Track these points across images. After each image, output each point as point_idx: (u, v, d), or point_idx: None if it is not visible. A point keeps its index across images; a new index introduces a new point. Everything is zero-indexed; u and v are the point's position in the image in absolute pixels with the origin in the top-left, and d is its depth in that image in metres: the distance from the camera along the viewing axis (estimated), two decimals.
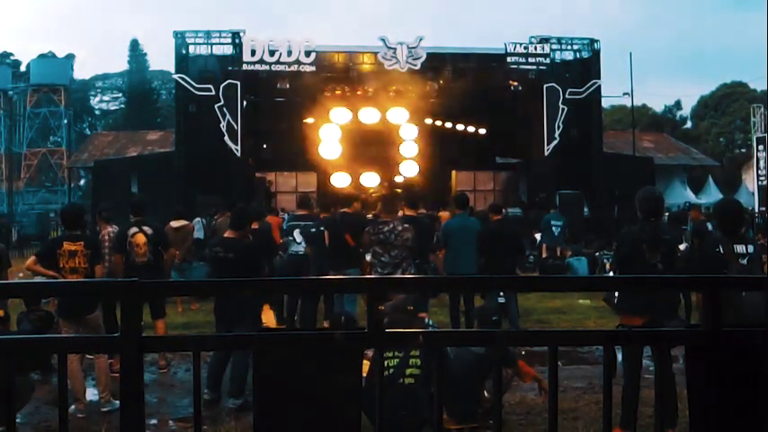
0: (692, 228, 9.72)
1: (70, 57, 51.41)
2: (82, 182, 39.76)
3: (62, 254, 5.80)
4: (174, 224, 9.80)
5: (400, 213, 8.52)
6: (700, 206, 12.46)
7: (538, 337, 2.47)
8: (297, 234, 8.54)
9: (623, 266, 4.99)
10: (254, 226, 7.35)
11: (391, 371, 4.70)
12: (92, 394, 5.94)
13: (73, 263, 5.78)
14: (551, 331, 4.46)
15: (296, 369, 1.97)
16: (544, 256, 14.41)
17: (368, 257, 7.82)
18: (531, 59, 20.10)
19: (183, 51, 19.64)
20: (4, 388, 1.93)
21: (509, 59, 20.00)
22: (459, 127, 23.80)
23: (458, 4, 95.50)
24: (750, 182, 30.60)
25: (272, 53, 19.05)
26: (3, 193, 41.85)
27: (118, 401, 2.13)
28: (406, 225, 7.37)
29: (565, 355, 6.87)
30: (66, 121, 45.23)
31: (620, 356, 4.88)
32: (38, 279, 6.07)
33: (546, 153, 20.35)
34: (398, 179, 23.78)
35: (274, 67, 19.21)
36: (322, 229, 8.19)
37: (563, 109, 20.24)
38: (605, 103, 28.70)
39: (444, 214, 10.43)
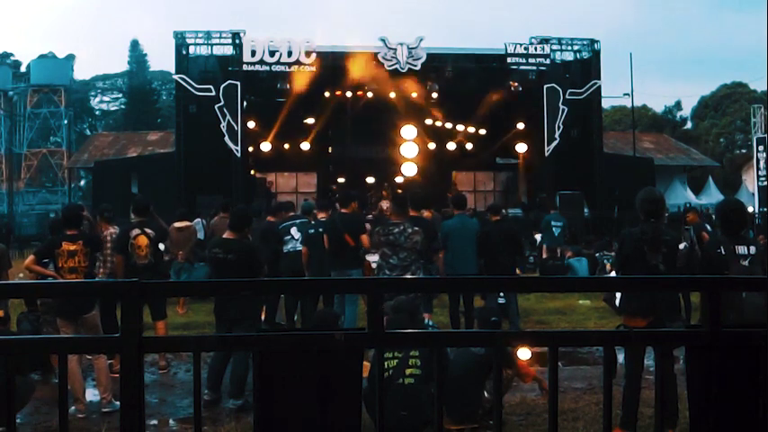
0: (694, 229, 9.70)
1: (70, 57, 51.40)
2: (82, 182, 39.83)
3: (61, 253, 5.79)
4: (178, 225, 9.99)
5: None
6: (696, 209, 12.42)
7: (538, 338, 2.47)
8: (294, 231, 8.54)
9: (624, 268, 4.96)
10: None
11: (390, 371, 4.70)
12: (92, 395, 5.94)
13: (72, 262, 5.78)
14: (551, 332, 4.46)
15: (296, 369, 1.97)
16: (544, 256, 14.39)
17: (375, 257, 7.78)
18: (531, 60, 20.11)
19: (184, 51, 19.67)
20: (4, 388, 1.93)
21: (509, 60, 20.02)
22: (460, 127, 23.81)
23: (458, 4, 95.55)
24: (750, 182, 30.57)
25: (272, 53, 19.07)
26: (3, 193, 41.87)
27: (118, 402, 2.13)
28: (416, 228, 7.28)
29: (565, 355, 6.88)
30: (66, 122, 45.25)
31: (621, 357, 4.88)
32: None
33: (546, 153, 20.37)
34: (398, 180, 23.80)
35: (274, 68, 19.22)
36: (321, 230, 8.16)
37: (563, 109, 20.25)
38: (605, 103, 28.75)
39: (427, 213, 10.13)
